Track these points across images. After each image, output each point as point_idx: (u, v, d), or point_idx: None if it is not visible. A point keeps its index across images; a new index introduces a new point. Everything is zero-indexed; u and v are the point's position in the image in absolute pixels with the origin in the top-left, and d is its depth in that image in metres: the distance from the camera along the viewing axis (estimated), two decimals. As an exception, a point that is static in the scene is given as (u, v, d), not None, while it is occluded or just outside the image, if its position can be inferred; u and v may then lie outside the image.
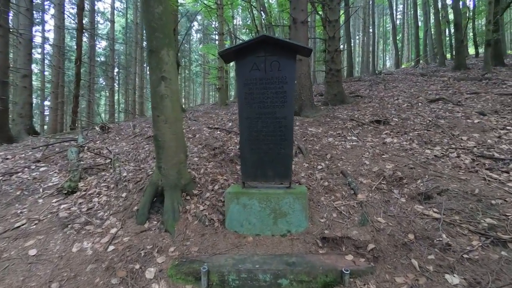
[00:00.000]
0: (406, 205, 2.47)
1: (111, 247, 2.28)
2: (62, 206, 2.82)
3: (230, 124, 5.33)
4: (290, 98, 2.51)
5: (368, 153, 3.48)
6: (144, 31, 3.45)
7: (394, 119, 4.54)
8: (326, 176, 3.11)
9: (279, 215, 2.50)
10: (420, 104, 5.41)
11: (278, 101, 2.52)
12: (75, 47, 9.17)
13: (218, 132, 4.79)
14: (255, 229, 2.52)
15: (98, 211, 2.75)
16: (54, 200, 2.95)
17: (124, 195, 2.97)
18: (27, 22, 8.02)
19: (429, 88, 8.00)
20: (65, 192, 3.06)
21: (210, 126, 5.23)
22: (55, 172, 3.76)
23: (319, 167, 3.32)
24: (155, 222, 2.67)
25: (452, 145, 3.40)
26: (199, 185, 3.09)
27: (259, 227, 2.52)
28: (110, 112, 19.61)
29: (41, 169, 3.92)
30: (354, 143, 3.81)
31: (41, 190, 3.18)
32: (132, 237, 2.44)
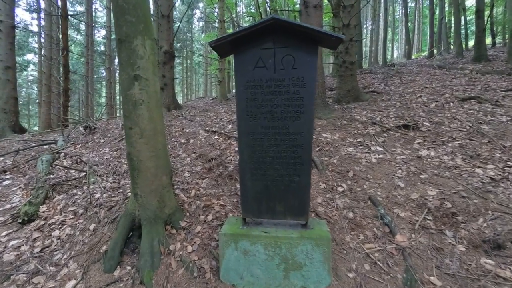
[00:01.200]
0: (468, 257, 1.79)
1: (61, 315, 1.66)
2: (11, 244, 2.19)
3: (230, 126, 4.63)
4: (309, 107, 1.80)
5: (401, 170, 2.78)
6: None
7: (425, 123, 3.81)
8: (350, 203, 2.43)
9: (292, 267, 1.85)
10: (451, 104, 4.65)
11: (292, 111, 1.82)
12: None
13: (216, 137, 4.11)
14: (260, 284, 1.88)
15: (55, 252, 2.12)
16: (4, 233, 2.33)
17: (92, 227, 2.33)
18: (8, 7, 7.28)
19: (452, 82, 7.20)
20: (21, 221, 2.44)
21: (207, 128, 4.55)
22: (19, 188, 3.14)
23: (340, 189, 2.64)
24: (129, 268, 2.04)
25: (508, 162, 2.68)
26: (188, 213, 2.44)
27: (265, 281, 1.88)
28: (108, 105, 18.93)
29: (5, 182, 3.30)
30: (380, 156, 3.11)
31: (-8, 216, 2.56)
32: (94, 295, 1.81)
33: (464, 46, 16.34)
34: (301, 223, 1.98)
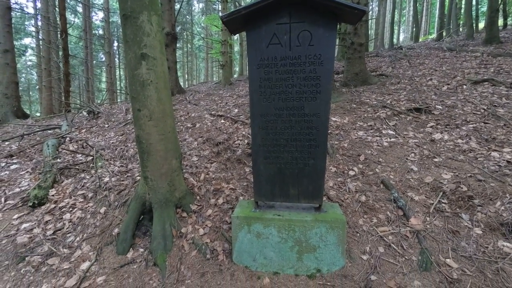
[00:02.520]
0: (485, 239, 1.77)
1: (78, 295, 1.68)
2: (23, 226, 2.20)
3: (236, 110, 4.55)
4: (326, 86, 1.72)
5: (414, 154, 2.73)
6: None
7: (437, 106, 3.70)
8: (362, 187, 2.40)
9: (306, 249, 1.84)
10: (464, 87, 4.50)
11: (308, 91, 1.74)
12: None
13: (222, 121, 4.04)
14: (273, 266, 1.89)
15: (68, 235, 2.13)
16: (15, 216, 2.33)
17: (102, 210, 2.33)
18: (2, -12, 6.99)
19: (463, 65, 6.98)
20: (31, 204, 2.44)
21: (213, 112, 4.46)
22: (27, 172, 3.13)
23: (351, 173, 2.60)
24: (142, 250, 2.05)
25: (525, 145, 2.61)
26: (198, 197, 2.43)
27: (278, 263, 1.88)
28: (110, 91, 18.68)
29: (12, 166, 3.29)
30: (392, 139, 3.04)
31: (3, 199, 2.56)
32: (109, 276, 1.83)
33: (474, 27, 15.73)
34: (315, 206, 1.95)
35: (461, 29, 16.86)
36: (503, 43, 9.93)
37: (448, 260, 1.69)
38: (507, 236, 1.75)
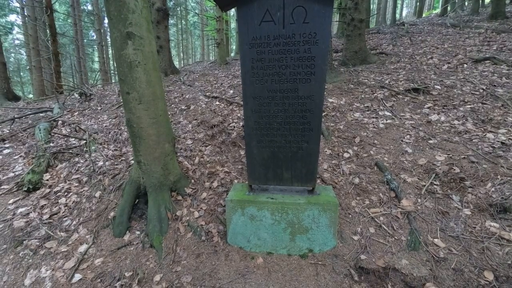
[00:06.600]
0: (473, 220, 1.81)
1: (77, 276, 1.73)
2: (19, 211, 2.21)
3: (232, 91, 4.44)
4: (321, 67, 1.65)
5: (409, 136, 2.71)
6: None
7: (436, 86, 3.63)
8: (356, 169, 2.41)
9: (298, 231, 1.88)
10: (465, 65, 4.39)
11: (302, 72, 1.68)
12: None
13: (217, 103, 3.96)
14: (266, 246, 1.94)
15: (64, 218, 2.15)
16: (11, 201, 2.34)
17: (97, 194, 2.34)
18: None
19: (465, 42, 6.77)
20: (26, 189, 2.44)
21: (208, 94, 4.37)
22: (20, 156, 3.10)
23: (346, 155, 2.60)
24: (138, 233, 2.09)
25: (521, 126, 2.60)
26: (193, 180, 2.43)
27: (271, 243, 1.93)
28: (102, 71, 18.12)
29: (5, 151, 3.26)
30: (388, 121, 3.01)
31: (-3, 184, 2.56)
32: (106, 258, 1.87)
33: (480, 1, 15.07)
34: (308, 189, 1.97)
35: (466, 3, 16.18)
36: (508, 18, 9.58)
37: (436, 240, 1.74)
38: (494, 216, 1.79)
